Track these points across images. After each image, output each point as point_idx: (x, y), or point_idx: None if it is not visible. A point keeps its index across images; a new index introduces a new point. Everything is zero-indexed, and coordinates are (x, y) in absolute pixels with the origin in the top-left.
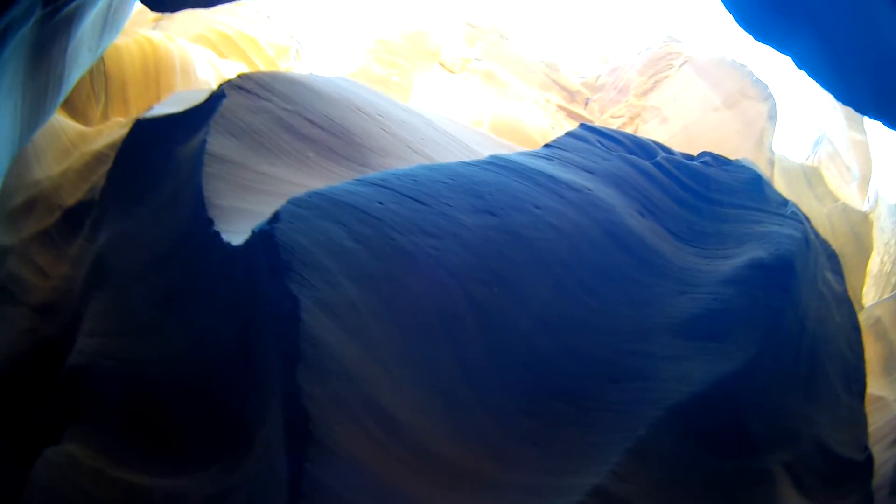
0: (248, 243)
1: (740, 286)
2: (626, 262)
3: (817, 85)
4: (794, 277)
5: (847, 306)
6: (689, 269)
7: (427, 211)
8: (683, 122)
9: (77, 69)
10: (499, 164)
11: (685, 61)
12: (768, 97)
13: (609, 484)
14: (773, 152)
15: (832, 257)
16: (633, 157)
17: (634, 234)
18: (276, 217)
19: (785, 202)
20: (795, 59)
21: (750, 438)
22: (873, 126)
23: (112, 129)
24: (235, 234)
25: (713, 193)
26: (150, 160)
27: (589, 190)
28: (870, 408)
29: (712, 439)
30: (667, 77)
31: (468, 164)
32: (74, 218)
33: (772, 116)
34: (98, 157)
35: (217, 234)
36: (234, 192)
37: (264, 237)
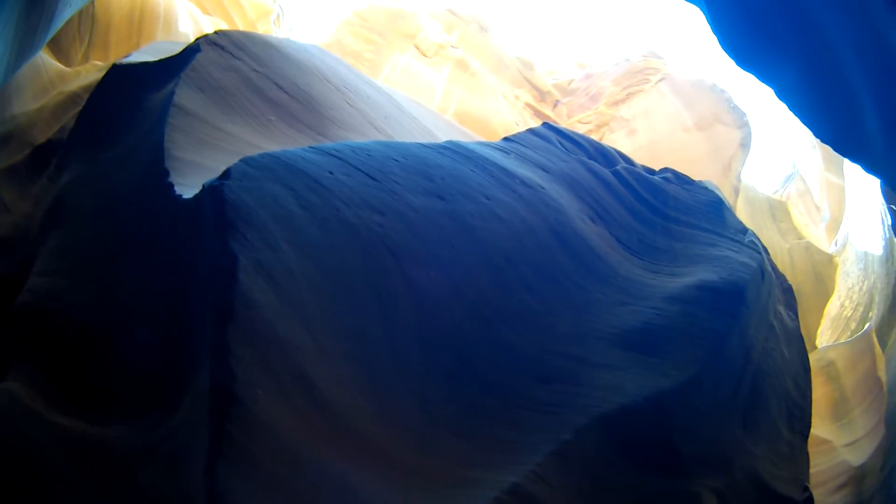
0: (196, 198)
1: (685, 305)
2: (570, 264)
3: (797, 120)
4: (744, 305)
5: (798, 343)
6: (634, 281)
7: (376, 187)
8: (651, 138)
9: (69, 8)
10: (454, 151)
11: (663, 78)
12: (744, 125)
13: (528, 484)
14: (740, 180)
15: (787, 292)
16: (592, 162)
17: (582, 238)
18: (226, 174)
19: (744, 230)
20: (777, 90)
21: (680, 459)
22: (852, 171)
23: (90, 71)
24: (188, 187)
25: (670, 210)
26: (120, 106)
27: (542, 188)
28: (814, 449)
29: (641, 454)
30: (641, 91)
31: (424, 145)
32: (42, 156)
33: (744, 145)
34: (72, 98)
35: (171, 185)
36: (194, 147)
37: (213, 193)
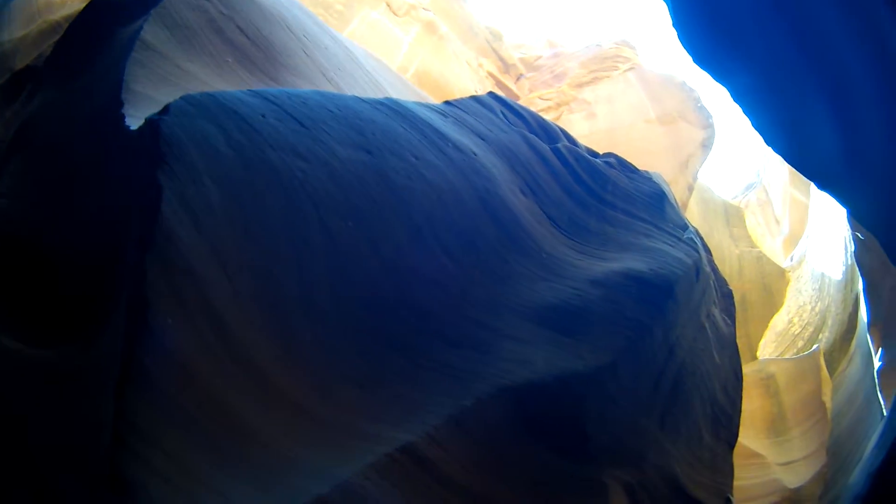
0: (139, 130)
1: (609, 291)
2: (493, 233)
3: (749, 124)
4: (672, 300)
5: (731, 349)
6: (558, 259)
7: (305, 134)
8: (610, 124)
9: None
10: (390, 107)
11: (632, 67)
12: (708, 126)
13: (423, 445)
14: (696, 179)
15: (727, 297)
16: (532, 136)
17: (510, 209)
18: (166, 109)
19: (684, 226)
20: (733, 91)
21: (589, 446)
22: (820, 192)
23: (75, 1)
24: (137, 119)
25: (607, 195)
26: (94, 37)
27: (474, 154)
28: (745, 461)
29: (547, 435)
30: (608, 77)
31: (361, 99)
32: (19, 82)
33: (706, 145)
34: (54, 27)
35: (123, 116)
36: (152, 82)
37: (150, 126)
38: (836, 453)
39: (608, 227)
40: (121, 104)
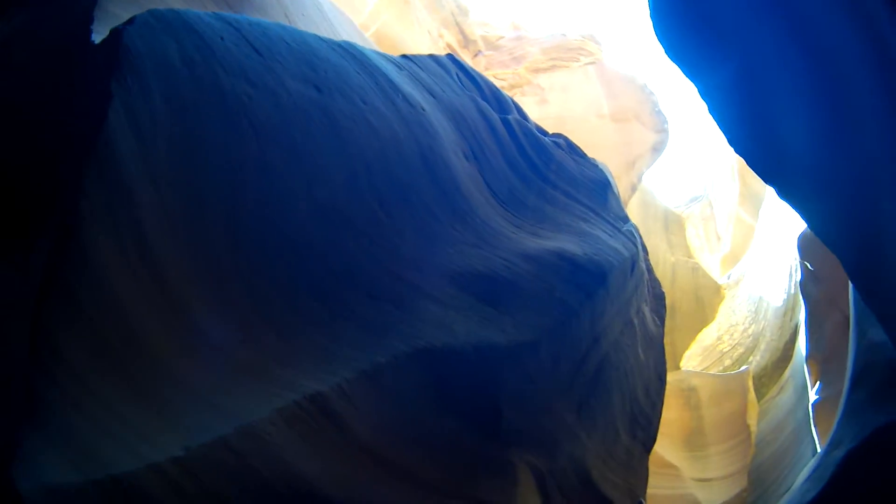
0: (104, 40)
1: (540, 268)
2: (430, 192)
3: (715, 124)
4: (604, 288)
5: (657, 351)
6: (492, 228)
7: (259, 62)
8: (561, 113)
9: None
10: (346, 50)
11: (594, 62)
12: (662, 131)
13: (333, 397)
14: (640, 181)
15: (659, 298)
16: (484, 103)
17: (450, 170)
18: (131, 20)
19: (625, 219)
20: (702, 87)
21: (502, 423)
22: (769, 216)
23: None
24: (103, 35)
25: (551, 173)
26: None
27: (423, 110)
28: (659, 470)
29: (459, 404)
30: (567, 67)
31: (320, 38)
32: None
33: (656, 149)
34: None
35: (91, 31)
36: (124, 4)
37: (113, 36)
38: (759, 480)
39: (547, 206)
40: (91, 20)
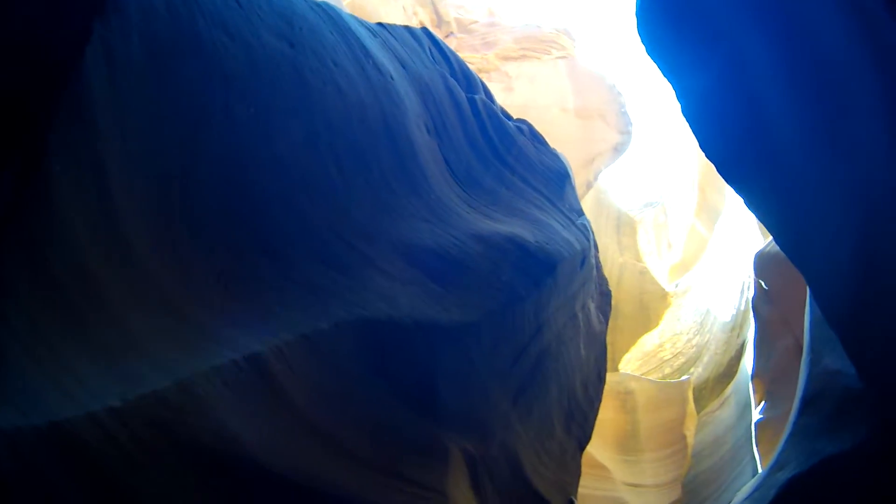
0: None
1: (490, 251)
2: (388, 161)
3: (687, 125)
4: (552, 278)
5: (599, 349)
6: (446, 205)
7: (237, 13)
8: (525, 102)
9: None
10: (325, 10)
11: (565, 56)
12: (625, 133)
13: (270, 358)
14: (596, 179)
15: (605, 296)
16: (452, 80)
17: (411, 142)
18: None
19: (580, 212)
20: (679, 87)
21: (438, 403)
22: (725, 230)
23: None
24: None
25: (510, 157)
26: None
27: (392, 79)
28: (589, 470)
29: (397, 379)
30: (537, 58)
31: None
32: None
33: (618, 150)
34: None
35: None
36: None
37: None
38: (693, 492)
39: (503, 189)
40: None
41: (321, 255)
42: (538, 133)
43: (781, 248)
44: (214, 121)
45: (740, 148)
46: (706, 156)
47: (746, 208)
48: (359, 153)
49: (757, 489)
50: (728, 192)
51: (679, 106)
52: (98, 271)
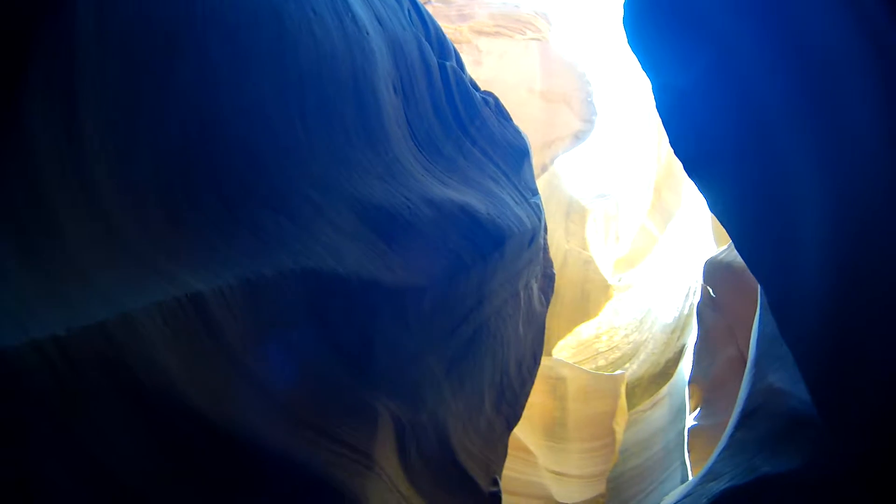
0: None
1: (441, 217)
2: (352, 116)
3: (660, 120)
4: (499, 252)
5: (537, 329)
6: (403, 166)
7: None
8: (492, 78)
9: None
10: None
11: (539, 38)
12: (588, 122)
13: (210, 298)
14: (552, 163)
15: (549, 278)
16: (427, 43)
17: (377, 100)
18: None
19: (535, 192)
20: (658, 81)
21: (372, 362)
22: (676, 232)
23: None
24: None
25: (473, 128)
26: None
27: (367, 34)
28: (515, 453)
29: (335, 333)
30: (511, 37)
31: None
32: None
33: (578, 137)
34: None
35: None
36: None
37: None
38: (618, 489)
39: (461, 158)
40: None
41: (274, 202)
42: (504, 108)
43: (743, 254)
44: (187, 61)
45: (717, 147)
46: (675, 153)
47: (711, 210)
48: (325, 105)
49: (687, 496)
50: (684, 195)
51: (654, 101)
52: (55, 196)
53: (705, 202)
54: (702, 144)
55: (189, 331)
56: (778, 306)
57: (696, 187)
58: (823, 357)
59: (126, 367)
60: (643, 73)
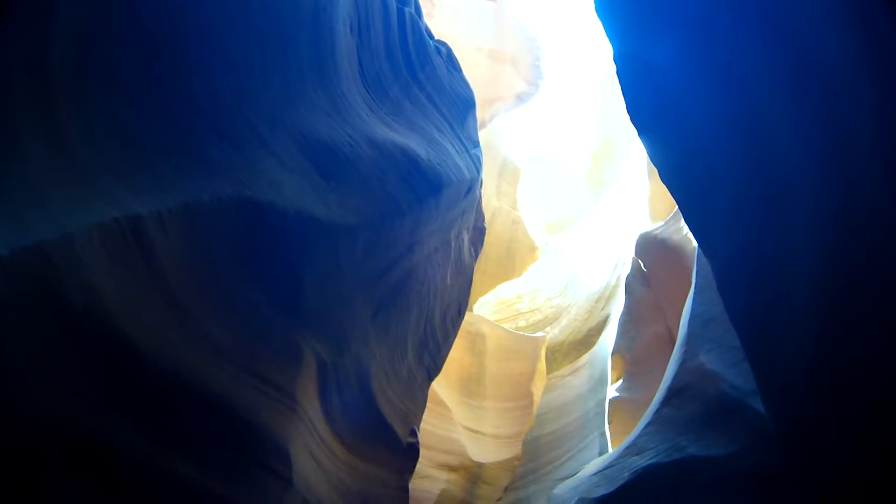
0: None
1: (381, 157)
2: (307, 51)
3: (619, 87)
4: (435, 199)
5: (465, 281)
6: (350, 104)
7: None
8: (443, 32)
9: None
10: None
11: (496, 2)
12: (533, 85)
13: (150, 223)
14: (491, 121)
15: (479, 232)
16: None
17: (333, 37)
18: None
19: (476, 144)
20: (624, 50)
21: (299, 300)
22: (613, 203)
23: None
24: None
25: (422, 75)
26: None
27: None
28: (432, 406)
29: (267, 267)
30: None
31: None
32: None
33: (521, 99)
34: None
35: None
36: None
37: None
38: (534, 452)
39: (407, 102)
40: None
41: (220, 127)
42: (455, 58)
43: (690, 221)
44: None
45: (680, 126)
46: (631, 117)
47: (664, 183)
48: (282, 38)
49: (609, 467)
50: (622, 168)
51: (616, 67)
52: (15, 108)
53: (656, 167)
54: (662, 110)
55: (125, 255)
56: (724, 279)
57: (646, 150)
58: (767, 338)
59: (62, 290)
60: (606, 40)
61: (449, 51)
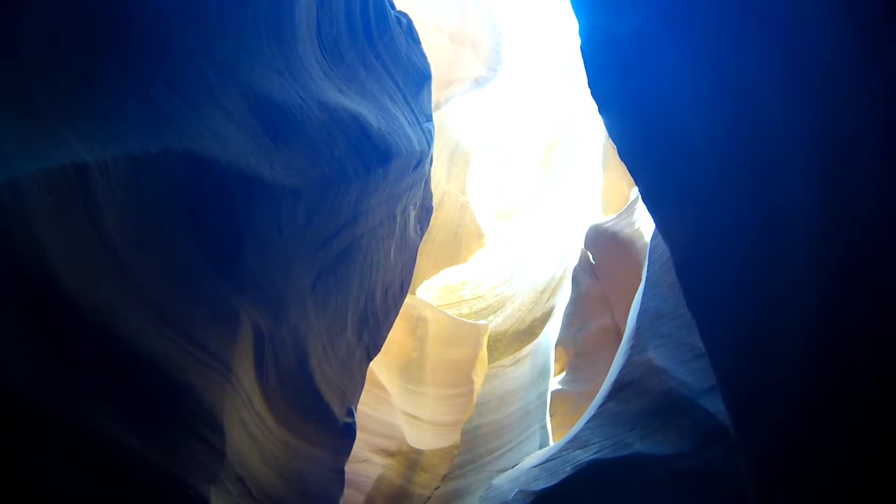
0: None
1: (332, 121)
2: (266, 8)
3: (581, 60)
4: (383, 169)
5: (408, 259)
6: (303, 65)
7: None
8: (405, 6)
9: None
10: None
11: None
12: (491, 70)
13: (95, 170)
14: (446, 103)
15: (427, 210)
16: None
17: None
18: None
19: (429, 118)
20: (590, 24)
21: (238, 263)
22: (564, 197)
23: None
24: None
25: (380, 44)
26: None
27: None
28: (370, 388)
29: (208, 226)
30: None
31: None
32: None
33: (478, 83)
34: None
35: None
36: None
37: None
38: (473, 442)
39: (361, 69)
40: None
41: (171, 77)
42: (415, 30)
43: (649, 202)
44: None
45: (648, 90)
46: (592, 91)
47: (622, 161)
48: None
49: (550, 460)
50: (575, 160)
51: (580, 41)
52: None
53: (615, 144)
54: (626, 81)
55: (68, 204)
56: (686, 266)
57: (605, 126)
58: (731, 335)
59: (8, 237)
60: (573, 20)
61: (410, 22)
